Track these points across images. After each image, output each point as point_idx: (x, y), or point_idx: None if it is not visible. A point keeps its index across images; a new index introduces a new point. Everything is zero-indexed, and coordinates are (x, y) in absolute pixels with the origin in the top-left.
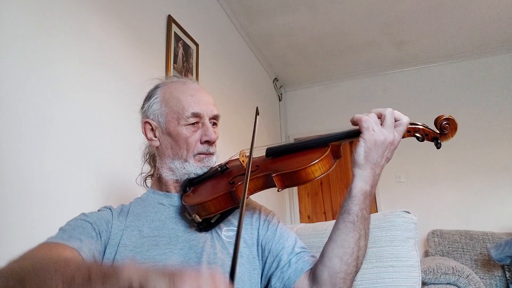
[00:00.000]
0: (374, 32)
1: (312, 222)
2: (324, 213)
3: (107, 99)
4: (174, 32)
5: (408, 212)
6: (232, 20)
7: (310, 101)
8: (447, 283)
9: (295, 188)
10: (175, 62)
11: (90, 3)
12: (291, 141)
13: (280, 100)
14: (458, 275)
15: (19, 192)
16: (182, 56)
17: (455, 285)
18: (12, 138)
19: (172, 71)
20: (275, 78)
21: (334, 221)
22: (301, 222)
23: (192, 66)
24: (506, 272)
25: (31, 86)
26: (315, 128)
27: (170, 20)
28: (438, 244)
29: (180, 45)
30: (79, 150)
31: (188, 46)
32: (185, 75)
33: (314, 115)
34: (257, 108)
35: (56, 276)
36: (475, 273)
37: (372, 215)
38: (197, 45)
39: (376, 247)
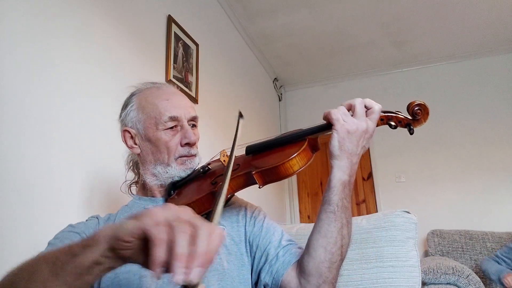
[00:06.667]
0: (374, 32)
1: (312, 222)
2: None
3: (107, 99)
4: (174, 32)
5: (408, 212)
6: (232, 20)
7: (310, 101)
8: (447, 283)
9: (295, 188)
10: (175, 62)
11: (90, 4)
12: None
13: (280, 100)
14: (458, 275)
15: (20, 192)
16: (182, 56)
17: (455, 285)
18: (13, 139)
19: (172, 71)
20: (275, 78)
21: None
22: (301, 222)
23: (192, 66)
24: None
25: (32, 87)
26: None
27: (170, 20)
28: (438, 244)
29: (180, 45)
30: (80, 150)
31: (188, 46)
32: (185, 75)
33: (314, 115)
34: (239, 112)
35: (41, 265)
36: (475, 273)
37: (372, 215)
38: (197, 45)
39: (376, 247)
